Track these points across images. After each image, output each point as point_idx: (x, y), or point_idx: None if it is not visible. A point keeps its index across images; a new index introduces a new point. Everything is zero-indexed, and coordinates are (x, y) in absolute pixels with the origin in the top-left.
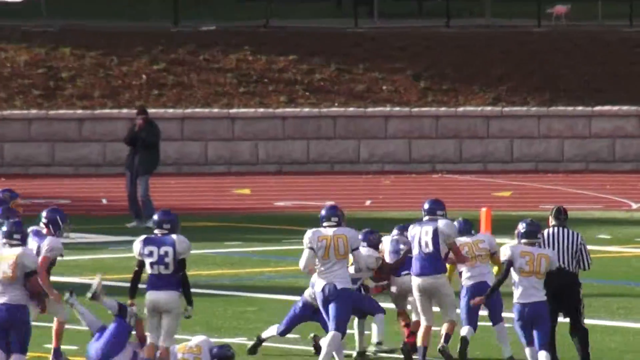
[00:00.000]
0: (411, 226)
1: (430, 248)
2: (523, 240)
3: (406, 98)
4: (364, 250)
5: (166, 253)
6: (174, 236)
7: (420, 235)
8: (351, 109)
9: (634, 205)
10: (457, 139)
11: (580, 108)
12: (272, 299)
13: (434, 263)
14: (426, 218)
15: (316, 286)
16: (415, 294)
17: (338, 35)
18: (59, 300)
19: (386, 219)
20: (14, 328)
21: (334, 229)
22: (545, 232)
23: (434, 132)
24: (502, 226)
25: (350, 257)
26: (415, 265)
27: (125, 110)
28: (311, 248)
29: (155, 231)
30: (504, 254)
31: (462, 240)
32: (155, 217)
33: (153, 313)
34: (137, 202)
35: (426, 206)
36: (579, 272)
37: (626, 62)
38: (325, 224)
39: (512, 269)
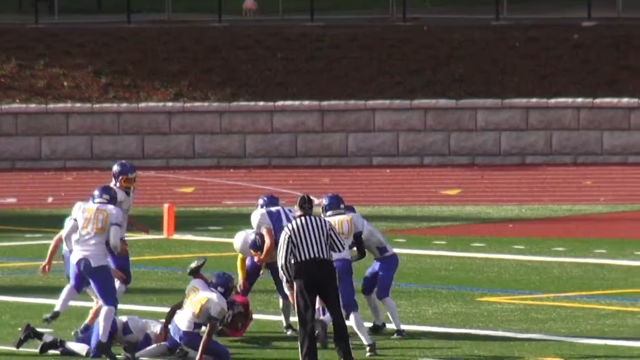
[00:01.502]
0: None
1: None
2: (328, 213)
3: (88, 94)
4: None
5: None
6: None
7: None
8: (32, 105)
9: (317, 201)
10: (140, 134)
11: (262, 103)
12: None
13: None
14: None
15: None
16: None
17: (18, 30)
18: None
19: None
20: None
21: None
22: (293, 223)
23: (116, 128)
24: (185, 222)
25: None
26: None
27: None
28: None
29: None
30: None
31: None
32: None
33: None
34: None
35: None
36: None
37: (307, 57)
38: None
39: None
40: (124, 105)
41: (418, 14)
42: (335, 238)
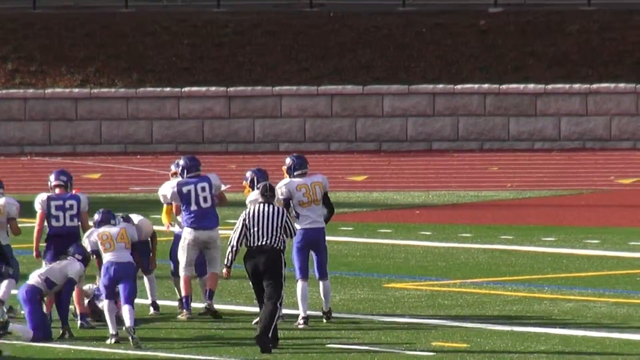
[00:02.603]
0: None
1: None
2: (296, 172)
3: None
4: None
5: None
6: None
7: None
8: None
9: (224, 187)
10: (46, 120)
11: (168, 89)
12: None
13: None
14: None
15: None
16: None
17: None
18: None
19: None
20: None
21: None
22: (251, 208)
23: (22, 114)
24: (92, 209)
25: None
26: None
27: None
28: None
29: None
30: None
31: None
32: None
33: None
34: None
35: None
36: (285, 247)
37: (213, 43)
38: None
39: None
40: (31, 91)
41: (324, 0)
42: (290, 226)
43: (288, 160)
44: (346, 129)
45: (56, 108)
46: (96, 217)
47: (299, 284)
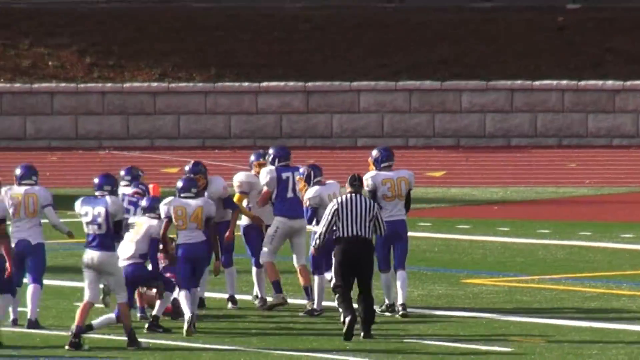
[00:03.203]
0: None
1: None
2: (383, 165)
3: (72, 74)
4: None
5: (99, 213)
6: (107, 197)
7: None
8: (17, 84)
9: (335, 182)
10: (124, 115)
11: (246, 84)
12: None
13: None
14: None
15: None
16: None
17: (3, 9)
18: None
19: (56, 196)
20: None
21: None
22: (342, 197)
23: (100, 107)
24: None
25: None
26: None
27: None
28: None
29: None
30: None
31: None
32: (96, 180)
33: (89, 270)
34: None
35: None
36: (373, 239)
37: (293, 39)
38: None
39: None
40: (109, 85)
41: None
42: (380, 221)
43: (375, 152)
44: (424, 124)
45: (134, 102)
46: (179, 184)
47: (382, 276)
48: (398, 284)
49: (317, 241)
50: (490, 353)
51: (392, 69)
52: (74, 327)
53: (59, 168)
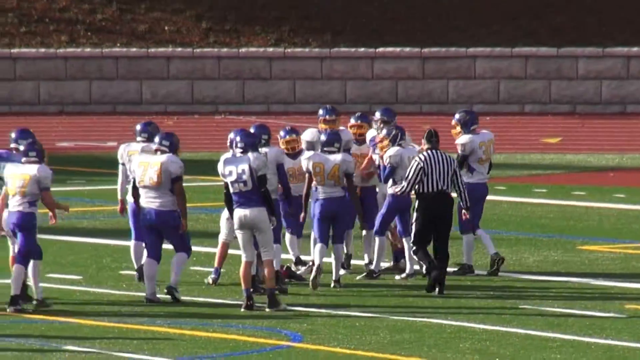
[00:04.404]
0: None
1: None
2: (472, 127)
3: (188, 39)
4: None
5: (243, 171)
6: (250, 154)
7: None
8: (133, 49)
9: (417, 147)
10: (240, 79)
11: (362, 49)
12: (53, 240)
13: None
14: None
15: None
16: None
17: None
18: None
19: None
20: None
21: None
22: (424, 154)
23: (216, 72)
24: None
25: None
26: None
27: None
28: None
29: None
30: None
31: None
32: (238, 137)
33: (242, 230)
34: None
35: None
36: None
37: (407, 5)
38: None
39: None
40: (225, 50)
41: None
42: (458, 176)
43: (462, 115)
44: (540, 90)
45: (250, 67)
46: (323, 137)
47: (468, 237)
48: (483, 240)
49: (404, 188)
50: (605, 319)
51: (508, 36)
52: (243, 291)
53: (176, 132)
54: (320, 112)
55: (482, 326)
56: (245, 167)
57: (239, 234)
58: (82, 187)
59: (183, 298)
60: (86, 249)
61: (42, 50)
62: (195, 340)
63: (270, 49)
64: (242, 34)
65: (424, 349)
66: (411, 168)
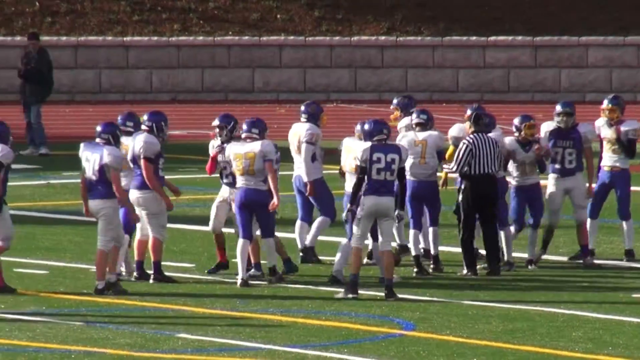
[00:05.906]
0: None
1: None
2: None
3: (301, 27)
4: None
5: (393, 160)
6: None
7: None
8: (245, 37)
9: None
10: (352, 68)
11: (474, 38)
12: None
13: None
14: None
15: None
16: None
17: None
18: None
19: (282, 148)
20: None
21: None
22: (471, 137)
23: (328, 61)
24: None
25: None
26: None
27: (18, 38)
28: None
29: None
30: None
31: None
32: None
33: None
34: (32, 129)
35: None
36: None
37: None
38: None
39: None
40: (337, 38)
41: None
42: (501, 159)
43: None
44: None
45: (362, 55)
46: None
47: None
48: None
49: (453, 168)
50: None
51: (621, 24)
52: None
53: (288, 120)
54: (395, 101)
55: (595, 315)
56: (396, 157)
57: (364, 221)
58: (195, 174)
59: (286, 286)
60: (198, 236)
61: (155, 38)
62: (307, 328)
63: (382, 38)
64: (354, 23)
65: (537, 337)
66: (460, 149)
